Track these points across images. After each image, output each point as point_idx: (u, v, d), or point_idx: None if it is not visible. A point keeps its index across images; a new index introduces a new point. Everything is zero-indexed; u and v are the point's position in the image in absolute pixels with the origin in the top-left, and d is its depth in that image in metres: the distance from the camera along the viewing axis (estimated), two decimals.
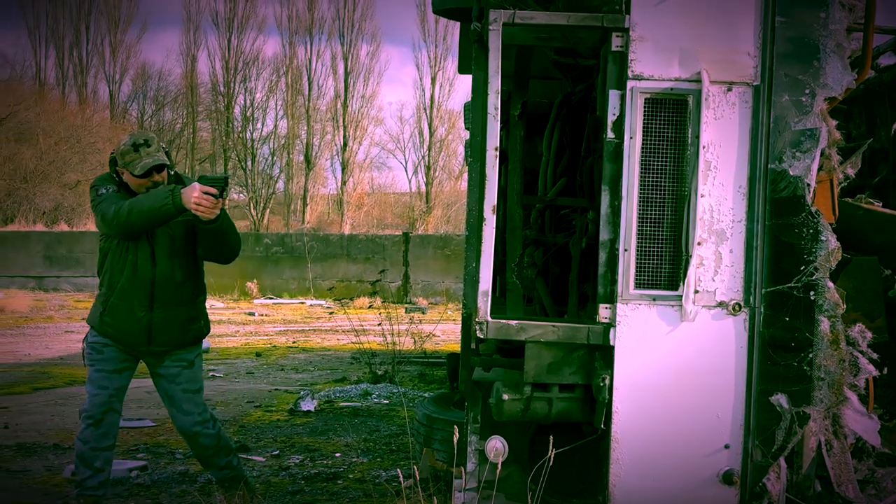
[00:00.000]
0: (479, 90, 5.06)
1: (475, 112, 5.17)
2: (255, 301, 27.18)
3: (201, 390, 6.13)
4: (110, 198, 5.70)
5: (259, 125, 56.98)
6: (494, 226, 4.88)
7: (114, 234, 5.74)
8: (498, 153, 4.85)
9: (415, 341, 13.57)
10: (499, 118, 4.85)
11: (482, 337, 4.90)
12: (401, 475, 5.65)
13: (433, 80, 55.93)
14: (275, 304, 26.63)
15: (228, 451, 6.16)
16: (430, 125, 56.64)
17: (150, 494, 6.69)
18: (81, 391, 11.01)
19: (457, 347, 15.09)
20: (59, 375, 12.39)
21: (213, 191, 5.51)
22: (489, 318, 4.86)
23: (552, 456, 4.70)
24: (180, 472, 7.16)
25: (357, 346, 13.55)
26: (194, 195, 5.49)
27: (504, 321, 4.88)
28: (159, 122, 57.57)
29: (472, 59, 5.38)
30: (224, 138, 55.68)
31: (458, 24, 7.48)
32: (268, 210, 55.24)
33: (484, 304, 4.86)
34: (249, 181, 55.55)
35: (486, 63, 4.90)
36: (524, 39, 5.17)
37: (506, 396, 4.87)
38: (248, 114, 56.47)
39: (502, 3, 4.94)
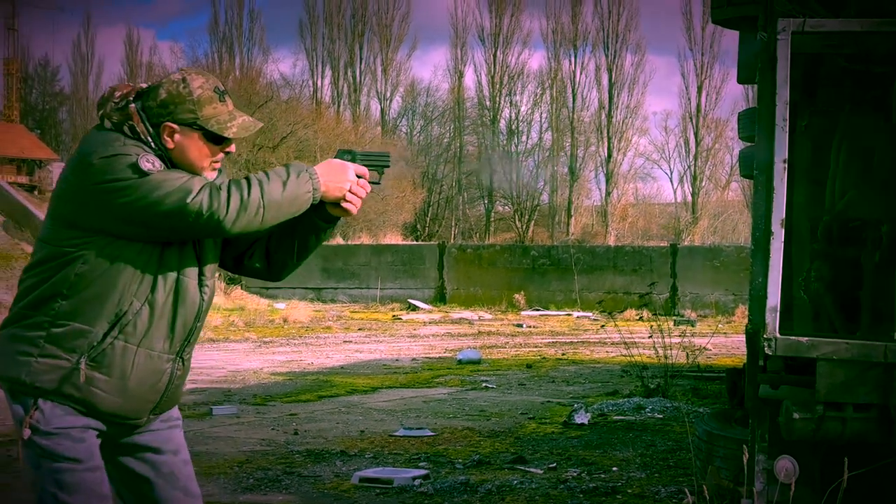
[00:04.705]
0: (766, 100, 4.95)
1: (761, 123, 5.06)
2: (523, 312, 27.46)
3: None
4: (183, 180, 3.21)
5: (524, 138, 57.71)
6: (782, 240, 4.76)
7: (190, 235, 3.31)
8: (786, 166, 4.73)
9: (687, 355, 13.36)
10: (787, 129, 4.73)
11: (769, 353, 4.79)
12: (688, 493, 5.57)
13: (699, 88, 55.07)
14: (541, 315, 26.84)
15: None
16: (696, 134, 55.76)
17: (433, 503, 6.87)
18: (363, 400, 11.48)
19: (731, 362, 14.77)
20: (341, 384, 12.91)
21: (374, 175, 3.56)
22: (778, 335, 4.74)
23: (847, 478, 4.53)
24: (461, 481, 7.32)
25: (627, 358, 13.47)
26: (348, 183, 3.43)
27: (794, 338, 4.75)
28: (427, 137, 59.20)
29: (755, 69, 5.27)
30: (490, 151, 56.62)
31: (726, 31, 7.35)
32: (532, 222, 55.77)
33: (772, 320, 4.75)
34: (514, 193, 56.25)
35: (773, 73, 4.79)
36: (813, 48, 5.02)
37: (796, 415, 4.74)
38: (513, 127, 57.28)
39: (790, 11, 4.82)
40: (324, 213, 3.47)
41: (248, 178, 3.25)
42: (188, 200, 3.14)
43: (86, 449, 3.28)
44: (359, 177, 3.45)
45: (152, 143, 3.28)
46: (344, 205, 3.44)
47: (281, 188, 3.26)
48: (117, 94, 3.34)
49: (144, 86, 3.36)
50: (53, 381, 3.22)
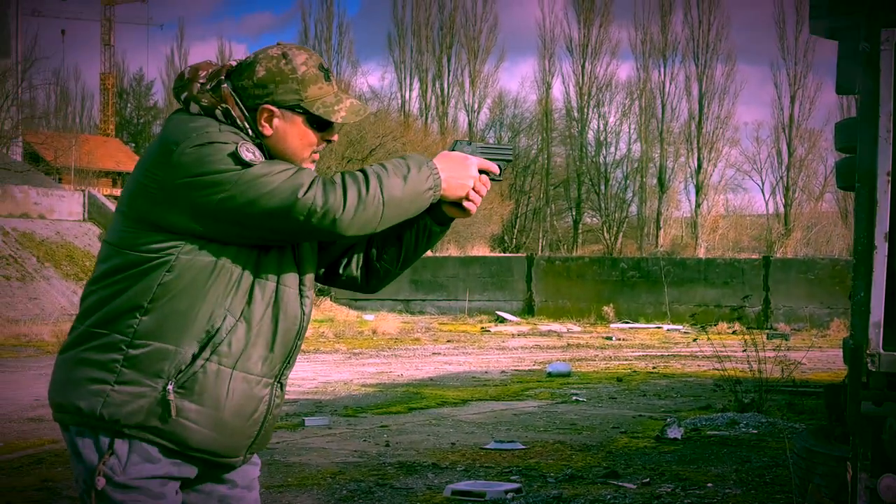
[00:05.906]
0: (868, 112, 4.85)
1: (863, 135, 4.96)
2: (612, 325, 27.29)
3: None
4: (290, 172, 2.68)
5: (612, 149, 57.43)
6: (886, 254, 4.66)
7: (294, 238, 2.76)
8: (890, 178, 4.63)
9: (782, 369, 13.14)
10: (891, 141, 4.63)
11: (873, 370, 4.69)
12: None
13: (792, 98, 54.28)
14: (631, 328, 26.65)
15: None
16: (788, 145, 54.95)
17: None
18: (454, 413, 11.49)
19: (827, 377, 14.50)
20: (430, 396, 12.95)
21: (496, 170, 2.99)
22: (881, 351, 4.64)
23: None
24: (554, 496, 7.28)
25: (719, 372, 13.29)
26: (471, 179, 2.90)
27: None
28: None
29: (854, 80, 5.18)
30: (578, 163, 56.44)
31: (819, 40, 7.20)
32: (621, 234, 55.43)
33: (875, 336, 4.65)
34: (602, 205, 55.98)
35: (876, 84, 4.69)
36: None
37: None
38: (602, 138, 57.01)
39: (893, 21, 4.72)
40: (438, 214, 2.94)
41: (363, 171, 2.72)
42: (299, 196, 2.62)
43: None
44: (481, 172, 2.94)
45: (249, 130, 2.77)
46: (465, 204, 2.92)
47: (402, 183, 2.73)
48: (202, 73, 2.82)
49: (233, 63, 2.84)
50: (136, 413, 2.67)
